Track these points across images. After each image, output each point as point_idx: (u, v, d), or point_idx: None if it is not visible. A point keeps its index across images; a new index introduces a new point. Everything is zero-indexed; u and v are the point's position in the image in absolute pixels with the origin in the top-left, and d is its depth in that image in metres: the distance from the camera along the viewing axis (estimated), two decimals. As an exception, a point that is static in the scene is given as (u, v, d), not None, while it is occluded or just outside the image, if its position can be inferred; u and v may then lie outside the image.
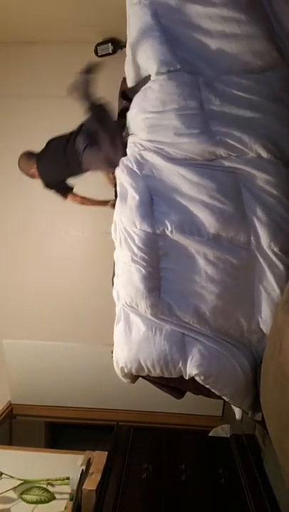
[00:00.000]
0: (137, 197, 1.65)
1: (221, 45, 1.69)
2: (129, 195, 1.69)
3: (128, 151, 1.82)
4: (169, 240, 1.60)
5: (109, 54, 3.27)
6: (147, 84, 1.76)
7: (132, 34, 1.84)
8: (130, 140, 1.82)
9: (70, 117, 3.60)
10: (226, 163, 1.64)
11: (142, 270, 1.57)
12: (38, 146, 3.53)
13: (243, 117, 1.63)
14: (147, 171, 1.70)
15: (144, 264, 1.57)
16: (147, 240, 1.60)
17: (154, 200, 1.65)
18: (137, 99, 1.80)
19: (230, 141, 1.61)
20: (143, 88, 1.77)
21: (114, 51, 3.21)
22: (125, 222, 1.65)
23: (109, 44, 3.22)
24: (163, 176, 1.67)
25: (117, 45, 3.11)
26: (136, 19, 1.82)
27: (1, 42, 3.42)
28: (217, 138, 1.62)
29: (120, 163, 1.79)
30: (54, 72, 3.44)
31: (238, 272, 1.58)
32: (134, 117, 1.79)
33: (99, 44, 3.28)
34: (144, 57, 1.78)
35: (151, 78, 1.75)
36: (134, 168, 1.73)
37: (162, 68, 1.72)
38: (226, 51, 1.69)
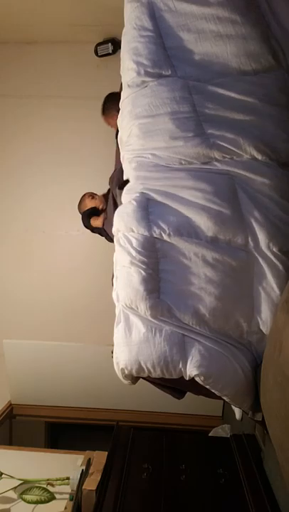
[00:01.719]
0: (134, 203, 1.65)
1: (215, 47, 1.68)
2: (126, 203, 1.69)
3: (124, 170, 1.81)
4: (167, 242, 1.60)
5: (109, 54, 3.28)
6: (137, 92, 1.75)
7: (127, 30, 1.84)
8: (122, 154, 1.82)
9: (70, 117, 3.62)
10: (221, 166, 1.63)
11: (142, 272, 1.57)
12: (37, 146, 3.54)
13: (237, 119, 1.62)
14: (142, 183, 1.70)
15: (144, 266, 1.57)
16: (146, 242, 1.59)
17: (150, 205, 1.65)
18: (126, 109, 1.79)
19: (224, 144, 1.60)
20: (132, 96, 1.77)
21: (114, 51, 3.22)
22: (123, 229, 1.65)
23: (110, 44, 3.23)
24: (158, 184, 1.66)
25: (117, 45, 3.12)
26: (132, 17, 1.81)
27: (1, 42, 3.42)
28: (211, 140, 1.61)
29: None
30: (54, 72, 3.45)
31: (237, 273, 1.58)
32: (126, 126, 1.78)
33: (99, 44, 3.29)
34: (133, 57, 1.77)
35: (140, 79, 1.74)
36: (130, 183, 1.73)
37: (153, 69, 1.71)
38: (220, 53, 1.68)
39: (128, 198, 1.71)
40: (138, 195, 1.67)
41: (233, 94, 1.64)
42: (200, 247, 1.57)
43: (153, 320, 1.56)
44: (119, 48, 3.02)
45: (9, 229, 3.65)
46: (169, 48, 1.76)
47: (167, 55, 1.75)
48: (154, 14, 1.79)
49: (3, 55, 3.45)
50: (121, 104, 1.87)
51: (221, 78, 1.68)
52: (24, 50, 3.44)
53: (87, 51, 3.34)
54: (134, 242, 1.60)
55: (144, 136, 1.71)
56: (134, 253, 1.59)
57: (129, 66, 1.78)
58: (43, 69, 3.44)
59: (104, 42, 3.26)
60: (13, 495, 2.23)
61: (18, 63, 3.45)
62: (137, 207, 1.64)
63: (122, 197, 1.79)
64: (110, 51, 3.25)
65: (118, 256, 1.68)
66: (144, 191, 1.68)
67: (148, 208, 1.64)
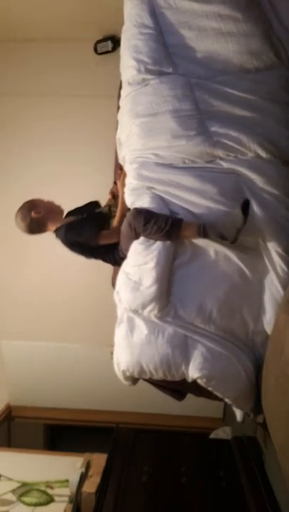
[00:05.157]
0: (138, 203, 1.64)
1: (216, 44, 1.66)
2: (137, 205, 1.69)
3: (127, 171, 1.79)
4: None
5: (108, 52, 3.26)
6: (137, 90, 1.74)
7: (127, 27, 1.83)
8: (122, 155, 1.80)
9: (70, 115, 3.60)
10: (225, 165, 1.62)
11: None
12: (37, 145, 3.52)
13: (240, 117, 1.61)
14: (145, 184, 1.68)
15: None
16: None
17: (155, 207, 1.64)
18: (126, 107, 1.77)
19: (227, 142, 1.59)
20: (132, 95, 1.75)
21: (113, 49, 3.20)
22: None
23: (109, 41, 3.20)
24: (164, 185, 1.65)
25: (117, 42, 3.09)
26: (132, 14, 1.80)
27: (1, 40, 3.41)
28: (214, 139, 1.59)
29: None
30: (54, 70, 3.44)
31: (246, 272, 1.57)
32: (126, 124, 1.76)
33: (98, 41, 3.27)
34: (133, 54, 1.76)
35: (140, 76, 1.72)
36: (133, 183, 1.72)
37: (154, 67, 1.70)
38: (222, 51, 1.66)
39: (131, 199, 1.70)
40: (148, 198, 1.65)
41: (235, 92, 1.62)
42: (209, 246, 1.57)
43: (156, 321, 1.55)
44: (119, 45, 2.99)
45: (8, 229, 3.62)
46: (169, 45, 1.74)
47: (168, 52, 1.73)
48: (154, 11, 1.77)
49: (2, 53, 3.43)
50: (121, 102, 1.85)
51: (223, 76, 1.66)
52: (23, 48, 3.43)
53: (86, 49, 3.32)
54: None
55: (145, 136, 1.68)
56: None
57: (129, 63, 1.76)
58: (42, 67, 3.42)
59: (104, 39, 3.24)
60: (11, 497, 2.22)
61: (18, 61, 3.44)
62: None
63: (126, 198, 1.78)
64: (110, 49, 3.23)
65: (128, 260, 1.67)
66: (150, 195, 1.66)
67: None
